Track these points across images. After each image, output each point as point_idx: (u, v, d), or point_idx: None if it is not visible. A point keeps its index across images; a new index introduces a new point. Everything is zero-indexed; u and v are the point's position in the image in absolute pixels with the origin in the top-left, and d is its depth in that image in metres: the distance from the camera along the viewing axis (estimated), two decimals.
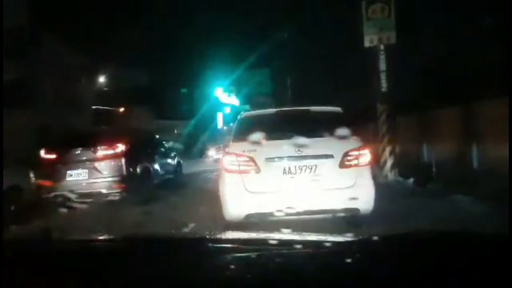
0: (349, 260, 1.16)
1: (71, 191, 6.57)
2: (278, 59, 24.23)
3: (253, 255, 1.21)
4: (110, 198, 6.76)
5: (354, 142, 4.34)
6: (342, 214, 4.24)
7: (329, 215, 4.18)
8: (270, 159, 4.19)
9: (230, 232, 1.47)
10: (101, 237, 1.55)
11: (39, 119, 16.95)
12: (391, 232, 1.42)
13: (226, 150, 4.58)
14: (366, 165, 4.29)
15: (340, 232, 1.42)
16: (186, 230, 4.53)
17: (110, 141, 7.06)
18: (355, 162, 4.23)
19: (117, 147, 7.01)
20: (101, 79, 24.79)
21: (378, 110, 9.40)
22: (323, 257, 1.23)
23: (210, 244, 1.42)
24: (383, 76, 9.29)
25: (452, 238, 1.33)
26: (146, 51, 28.60)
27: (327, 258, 1.22)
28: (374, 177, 4.42)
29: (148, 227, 5.01)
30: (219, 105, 29.24)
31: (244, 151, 4.21)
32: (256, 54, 22.80)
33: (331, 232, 1.44)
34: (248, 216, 4.15)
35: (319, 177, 4.16)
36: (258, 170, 4.17)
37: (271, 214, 4.03)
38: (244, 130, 4.42)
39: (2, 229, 2.96)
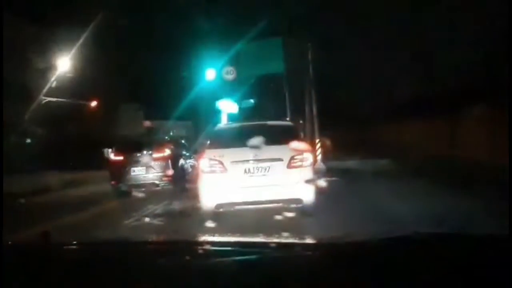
0: (346, 262, 1.18)
1: (134, 182, 9.47)
2: (295, 22, 16.51)
3: (251, 257, 1.23)
4: (160, 187, 9.55)
5: (299, 148, 5.45)
6: (290, 204, 5.44)
7: (280, 204, 5.43)
8: (234, 162, 5.55)
9: (226, 234, 1.58)
10: (98, 241, 1.61)
11: None
12: (390, 234, 1.41)
13: (202, 155, 6.06)
14: (308, 166, 5.40)
15: (338, 235, 1.45)
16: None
17: (159, 147, 9.84)
18: (299, 164, 5.38)
19: (164, 151, 9.85)
20: (64, 62, 15.68)
21: None
22: (320, 259, 1.25)
23: (206, 247, 1.44)
24: None
25: (451, 239, 1.32)
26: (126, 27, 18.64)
27: (323, 260, 1.23)
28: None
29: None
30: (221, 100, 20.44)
31: (215, 156, 5.63)
32: (264, 19, 14.40)
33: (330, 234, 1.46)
34: (218, 206, 5.57)
35: (271, 175, 5.42)
36: (225, 171, 5.57)
37: (235, 203, 5.48)
38: (216, 139, 5.86)
39: (2, 229, 3.11)
